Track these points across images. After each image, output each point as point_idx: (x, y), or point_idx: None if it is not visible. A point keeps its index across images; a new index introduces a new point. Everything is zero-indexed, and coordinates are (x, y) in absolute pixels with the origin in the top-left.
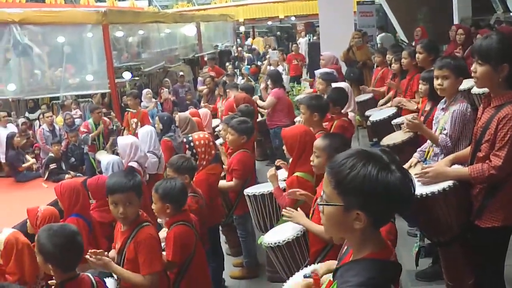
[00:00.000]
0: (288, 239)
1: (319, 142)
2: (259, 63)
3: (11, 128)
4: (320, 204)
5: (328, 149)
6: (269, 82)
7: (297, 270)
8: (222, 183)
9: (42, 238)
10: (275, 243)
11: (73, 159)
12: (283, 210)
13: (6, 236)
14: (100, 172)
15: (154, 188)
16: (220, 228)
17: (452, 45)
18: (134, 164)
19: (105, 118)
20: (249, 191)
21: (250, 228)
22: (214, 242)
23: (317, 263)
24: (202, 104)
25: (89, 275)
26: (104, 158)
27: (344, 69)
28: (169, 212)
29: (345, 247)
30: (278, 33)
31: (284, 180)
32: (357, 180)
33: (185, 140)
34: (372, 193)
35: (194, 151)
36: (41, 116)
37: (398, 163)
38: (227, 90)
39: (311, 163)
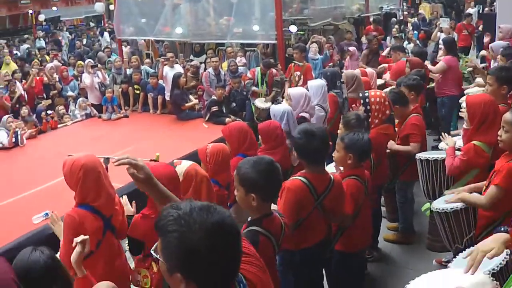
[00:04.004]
0: (456, 207)
1: (508, 116)
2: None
3: (178, 68)
4: None
5: None
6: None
7: (461, 240)
8: (397, 146)
9: (243, 168)
10: (443, 209)
11: (234, 104)
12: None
13: (187, 167)
14: (258, 119)
15: (340, 137)
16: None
17: None
18: (306, 115)
19: (272, 69)
20: (422, 155)
21: (410, 195)
22: (375, 202)
23: (482, 237)
24: (361, 64)
25: (277, 214)
26: (276, 107)
27: None
28: (350, 163)
29: None
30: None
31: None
32: None
33: (361, 95)
34: None
35: (368, 107)
36: (207, 60)
37: None
38: (397, 52)
39: (498, 138)
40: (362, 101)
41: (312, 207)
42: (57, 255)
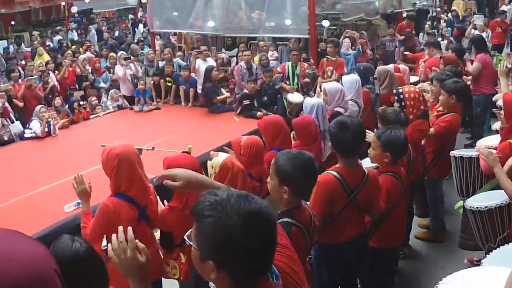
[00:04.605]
0: (490, 206)
1: None
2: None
3: (210, 61)
4: None
5: None
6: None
7: (494, 239)
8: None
9: (281, 159)
10: (477, 207)
11: (265, 98)
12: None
13: (223, 159)
14: (290, 113)
15: (376, 135)
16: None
17: None
18: (341, 110)
19: (304, 63)
20: (457, 153)
21: (439, 192)
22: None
23: None
24: (399, 62)
25: (306, 205)
26: (308, 100)
27: None
28: (387, 161)
29: None
30: None
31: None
32: None
33: (394, 91)
34: None
35: (403, 103)
36: (239, 54)
37: None
38: (431, 48)
39: None
40: (396, 97)
41: (345, 202)
42: None
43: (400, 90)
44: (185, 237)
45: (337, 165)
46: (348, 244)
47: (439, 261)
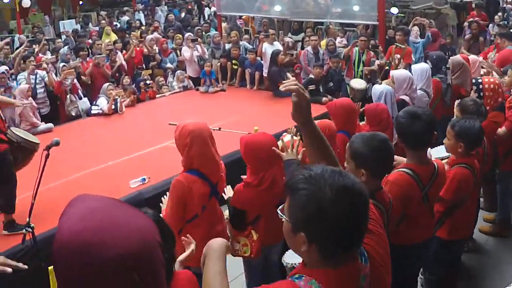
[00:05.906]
0: None
1: None
2: None
3: (277, 45)
4: None
5: None
6: None
7: None
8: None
9: (356, 142)
10: None
11: (331, 84)
12: None
13: (288, 140)
14: (353, 100)
15: (450, 124)
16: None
17: None
18: (406, 98)
19: (370, 51)
20: None
21: (511, 186)
22: None
23: None
24: (462, 50)
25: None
26: (377, 87)
27: None
28: (461, 151)
29: None
30: None
31: None
32: None
33: (474, 81)
34: None
35: (481, 94)
36: (306, 38)
37: None
38: (502, 40)
39: None
40: (475, 87)
41: (418, 199)
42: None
43: (480, 80)
44: (278, 211)
45: (405, 162)
46: (417, 247)
47: (504, 256)
